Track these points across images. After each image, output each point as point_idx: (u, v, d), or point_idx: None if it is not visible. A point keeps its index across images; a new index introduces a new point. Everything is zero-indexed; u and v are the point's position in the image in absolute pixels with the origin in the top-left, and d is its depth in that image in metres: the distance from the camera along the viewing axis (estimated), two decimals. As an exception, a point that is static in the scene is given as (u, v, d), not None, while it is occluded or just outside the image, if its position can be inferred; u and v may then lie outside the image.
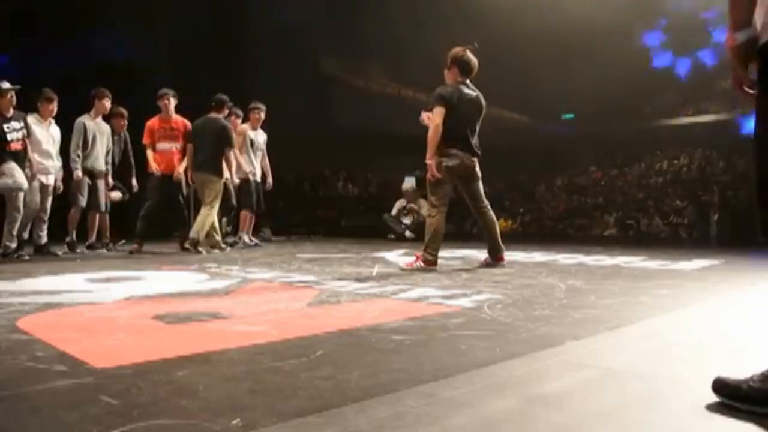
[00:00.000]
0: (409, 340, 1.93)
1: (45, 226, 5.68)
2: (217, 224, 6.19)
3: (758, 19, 1.26)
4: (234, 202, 6.63)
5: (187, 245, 5.86)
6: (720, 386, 1.30)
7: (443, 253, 5.23)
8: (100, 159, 6.15)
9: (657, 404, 1.32)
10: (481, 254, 5.95)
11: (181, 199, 6.13)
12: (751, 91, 1.30)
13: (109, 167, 6.33)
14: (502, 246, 4.58)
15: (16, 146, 5.12)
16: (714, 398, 1.34)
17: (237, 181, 6.62)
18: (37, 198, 5.46)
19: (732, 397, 1.27)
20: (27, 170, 5.23)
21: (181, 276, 3.95)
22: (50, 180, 5.65)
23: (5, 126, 5.06)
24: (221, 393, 1.36)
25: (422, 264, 4.28)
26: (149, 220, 5.95)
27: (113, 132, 6.44)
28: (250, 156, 6.92)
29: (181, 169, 6.07)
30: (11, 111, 5.15)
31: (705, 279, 3.99)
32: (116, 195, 6.52)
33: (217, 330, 2.17)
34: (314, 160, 14.95)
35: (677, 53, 24.04)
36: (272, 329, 2.11)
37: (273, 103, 7.19)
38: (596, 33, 17.49)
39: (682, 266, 4.67)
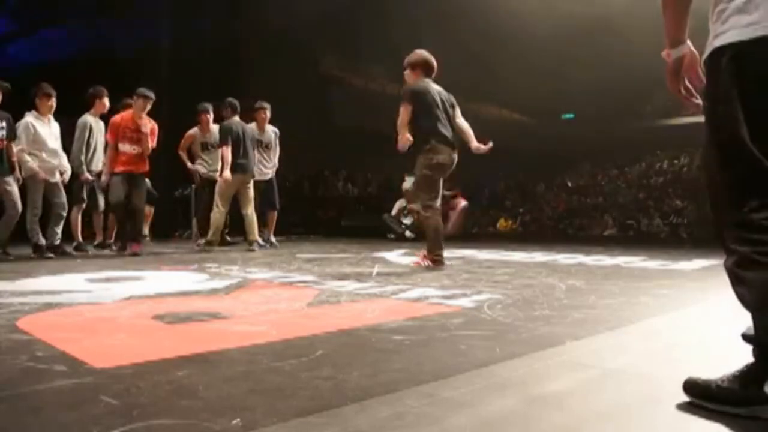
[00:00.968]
0: (409, 340, 1.93)
1: (62, 224, 5.58)
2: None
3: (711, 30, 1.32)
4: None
5: (204, 246, 6.21)
6: (690, 386, 1.31)
7: (443, 253, 5.24)
8: (100, 158, 6.16)
9: (657, 404, 1.32)
10: (482, 254, 5.96)
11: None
12: (694, 100, 1.42)
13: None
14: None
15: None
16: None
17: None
18: (19, 203, 5.24)
19: (702, 396, 1.27)
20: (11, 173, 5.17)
21: (181, 276, 3.95)
22: (57, 178, 5.54)
23: None
24: (221, 393, 1.36)
25: (430, 263, 4.30)
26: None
27: None
28: (260, 155, 6.93)
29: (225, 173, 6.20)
30: None
31: (705, 279, 3.98)
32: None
33: (216, 330, 2.17)
34: (314, 160, 14.95)
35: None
36: (272, 329, 2.11)
37: (273, 103, 7.18)
38: (596, 32, 17.49)
39: (682, 266, 4.67)
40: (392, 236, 8.68)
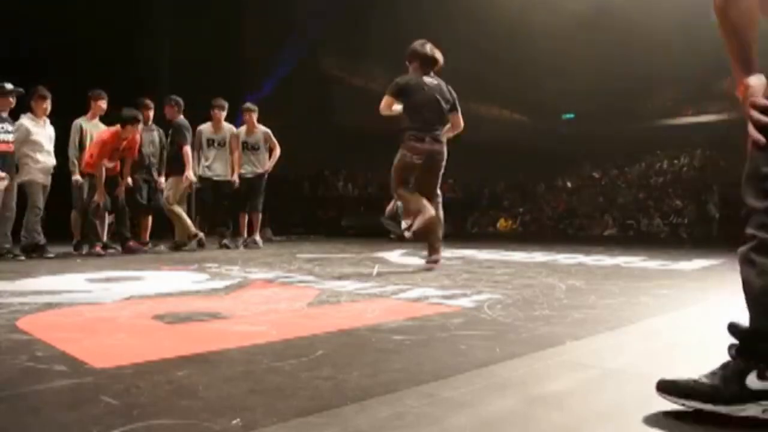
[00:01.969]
0: (409, 340, 1.93)
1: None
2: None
3: None
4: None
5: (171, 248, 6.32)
6: (666, 385, 1.27)
7: (444, 254, 5.24)
8: None
9: (657, 404, 1.31)
10: (482, 254, 5.96)
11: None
12: None
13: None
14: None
15: (4, 147, 5.10)
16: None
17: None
18: (13, 202, 5.28)
19: (681, 395, 1.25)
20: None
21: (181, 276, 3.95)
22: (49, 180, 5.63)
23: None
24: (221, 393, 1.36)
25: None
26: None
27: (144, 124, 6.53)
28: (247, 156, 6.91)
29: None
30: (6, 112, 5.15)
31: (705, 279, 3.99)
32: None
33: (216, 330, 2.17)
34: (314, 160, 14.95)
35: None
36: (272, 329, 2.11)
37: (273, 102, 7.18)
38: (597, 32, 17.50)
39: (682, 266, 4.67)
40: (393, 236, 8.69)
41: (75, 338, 1.96)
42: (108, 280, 3.67)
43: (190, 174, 6.37)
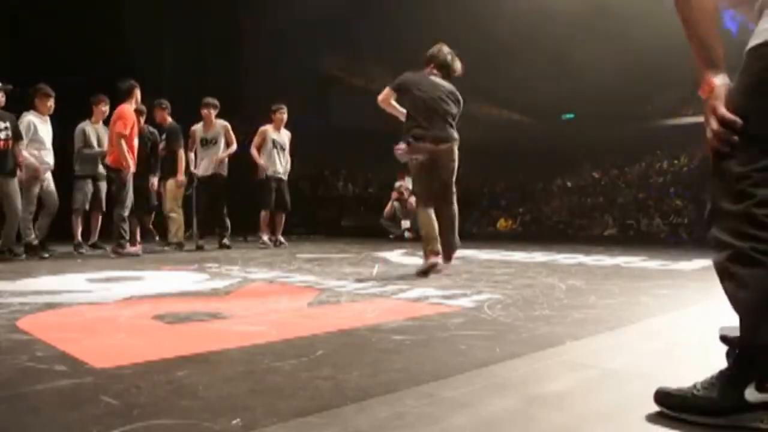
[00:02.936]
0: (409, 340, 1.93)
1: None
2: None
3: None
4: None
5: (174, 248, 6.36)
6: (663, 397, 1.24)
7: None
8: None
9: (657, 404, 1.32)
10: (482, 254, 5.95)
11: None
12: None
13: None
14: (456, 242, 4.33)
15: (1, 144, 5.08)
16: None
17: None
18: (20, 204, 5.28)
19: (677, 408, 1.22)
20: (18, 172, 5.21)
21: (181, 276, 3.95)
22: (48, 176, 5.66)
23: None
24: (221, 393, 1.36)
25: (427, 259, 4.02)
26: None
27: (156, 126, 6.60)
28: (273, 156, 6.94)
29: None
30: None
31: (705, 279, 3.98)
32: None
33: (217, 330, 2.17)
34: (314, 160, 14.94)
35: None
36: (272, 329, 2.11)
37: (273, 103, 7.18)
38: (597, 32, 17.50)
39: (682, 266, 4.67)
40: (392, 236, 8.69)
41: (75, 338, 1.96)
42: (108, 280, 3.67)
43: (180, 177, 6.46)
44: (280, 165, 7.03)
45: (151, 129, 6.48)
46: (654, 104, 23.74)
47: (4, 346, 1.83)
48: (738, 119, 1.17)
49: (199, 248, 6.38)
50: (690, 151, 19.54)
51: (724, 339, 1.27)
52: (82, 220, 6.15)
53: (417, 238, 8.25)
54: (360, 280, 3.60)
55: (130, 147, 5.64)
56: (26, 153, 5.33)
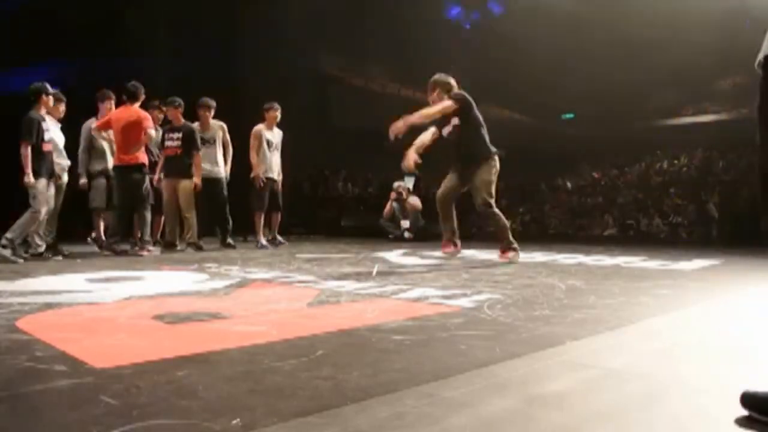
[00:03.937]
0: (409, 340, 1.92)
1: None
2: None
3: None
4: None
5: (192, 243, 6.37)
6: (750, 400, 1.20)
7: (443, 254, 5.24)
8: (109, 160, 6.24)
9: (657, 404, 1.32)
10: (482, 254, 5.95)
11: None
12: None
13: None
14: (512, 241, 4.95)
15: (47, 147, 5.24)
16: (712, 400, 1.35)
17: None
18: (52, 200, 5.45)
19: (765, 412, 1.17)
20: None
21: (181, 276, 3.95)
22: (66, 178, 5.77)
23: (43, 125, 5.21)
24: (221, 393, 1.36)
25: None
26: None
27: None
28: (267, 157, 6.93)
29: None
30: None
31: (705, 279, 3.99)
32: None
33: (217, 330, 2.17)
34: (314, 160, 14.95)
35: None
36: (272, 329, 2.11)
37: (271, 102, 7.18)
38: (597, 32, 17.50)
39: (682, 266, 4.67)
40: (392, 236, 8.69)
41: (75, 338, 1.96)
42: (108, 280, 3.67)
43: (198, 180, 6.46)
44: (274, 165, 7.02)
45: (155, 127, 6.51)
46: (654, 104, 23.73)
47: (3, 346, 1.83)
48: None
49: (199, 248, 6.38)
50: (690, 151, 19.56)
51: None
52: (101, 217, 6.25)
53: (416, 239, 8.28)
54: (360, 280, 3.60)
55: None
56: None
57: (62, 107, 5.72)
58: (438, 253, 5.28)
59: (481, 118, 4.90)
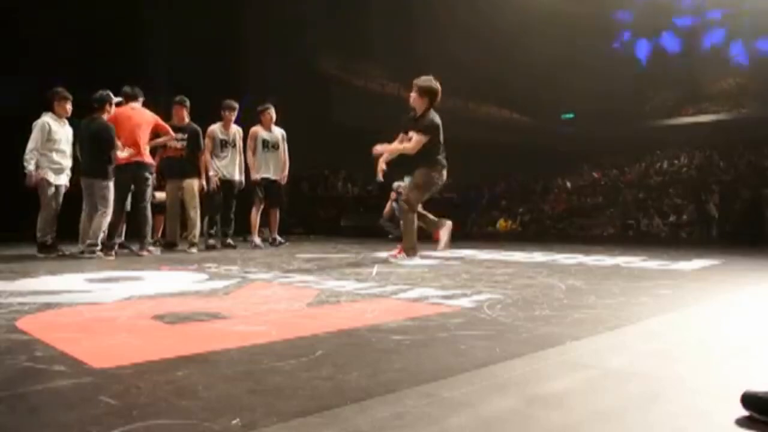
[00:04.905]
0: (409, 340, 1.92)
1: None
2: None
3: None
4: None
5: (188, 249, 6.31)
6: (750, 400, 1.20)
7: (444, 253, 5.25)
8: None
9: (657, 404, 1.32)
10: (482, 254, 5.96)
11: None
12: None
13: None
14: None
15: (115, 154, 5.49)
16: (712, 400, 1.35)
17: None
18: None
19: (766, 412, 1.17)
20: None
21: (181, 276, 3.95)
22: (65, 179, 5.69)
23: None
24: (221, 393, 1.36)
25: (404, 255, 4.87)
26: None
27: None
28: (263, 158, 6.94)
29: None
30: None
31: (705, 279, 3.99)
32: (161, 195, 6.62)
33: (217, 330, 2.17)
34: (314, 160, 14.95)
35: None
36: (272, 329, 2.11)
37: (273, 102, 7.18)
38: (597, 32, 17.50)
39: (682, 266, 4.67)
40: (392, 236, 8.69)
41: (75, 338, 1.96)
42: (108, 280, 3.67)
43: (204, 182, 6.55)
44: (271, 166, 7.00)
45: None
46: (654, 104, 23.74)
47: (3, 346, 1.83)
48: None
49: (197, 248, 6.37)
50: (689, 151, 19.56)
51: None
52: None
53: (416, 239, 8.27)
54: (360, 280, 3.60)
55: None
56: (36, 154, 5.40)
57: (68, 105, 5.66)
58: (438, 253, 5.28)
59: (442, 143, 4.95)
